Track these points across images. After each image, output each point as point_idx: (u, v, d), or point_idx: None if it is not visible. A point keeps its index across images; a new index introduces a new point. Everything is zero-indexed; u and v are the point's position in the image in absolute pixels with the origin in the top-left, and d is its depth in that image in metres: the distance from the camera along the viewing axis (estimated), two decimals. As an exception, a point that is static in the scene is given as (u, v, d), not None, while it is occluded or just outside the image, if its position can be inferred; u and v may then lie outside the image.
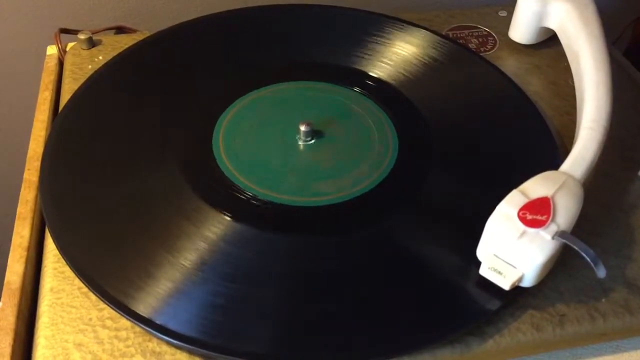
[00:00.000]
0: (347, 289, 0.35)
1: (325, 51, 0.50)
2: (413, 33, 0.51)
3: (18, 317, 0.34)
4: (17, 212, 0.40)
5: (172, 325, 0.33)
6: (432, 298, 0.35)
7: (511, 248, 0.33)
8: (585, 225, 0.39)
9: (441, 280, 0.36)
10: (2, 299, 0.35)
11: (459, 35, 0.55)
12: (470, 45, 0.54)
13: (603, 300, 0.36)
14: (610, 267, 0.38)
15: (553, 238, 0.33)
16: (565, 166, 0.37)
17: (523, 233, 0.33)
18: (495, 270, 0.34)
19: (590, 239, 0.38)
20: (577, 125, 0.42)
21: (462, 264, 0.36)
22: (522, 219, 0.33)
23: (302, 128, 0.43)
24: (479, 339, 0.34)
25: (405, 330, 0.33)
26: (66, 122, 0.43)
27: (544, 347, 0.35)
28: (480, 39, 0.55)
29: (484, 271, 0.34)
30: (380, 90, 0.47)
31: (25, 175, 0.42)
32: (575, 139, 0.40)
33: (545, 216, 0.33)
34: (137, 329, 0.33)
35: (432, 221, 0.39)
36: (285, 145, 0.43)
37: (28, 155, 0.43)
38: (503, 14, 0.58)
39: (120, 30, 0.57)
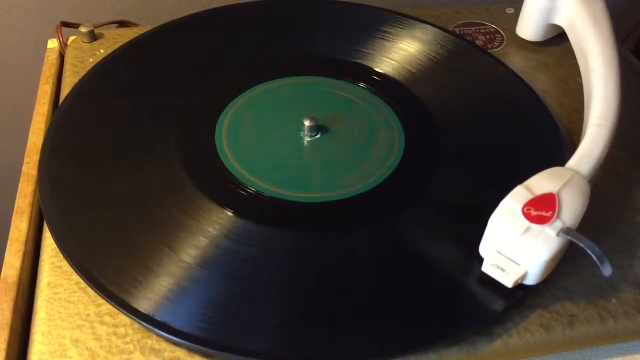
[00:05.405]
0: (350, 287, 0.34)
1: (331, 46, 0.50)
2: (419, 29, 0.51)
3: (14, 312, 0.34)
4: (15, 206, 0.39)
5: (171, 322, 0.32)
6: (438, 296, 0.34)
7: (514, 244, 0.32)
8: (595, 223, 0.38)
9: (448, 278, 0.35)
10: (-2, 293, 0.34)
11: (465, 32, 0.55)
12: (477, 42, 0.53)
13: (613, 300, 0.35)
14: (621, 266, 0.37)
15: (558, 235, 0.32)
16: (572, 162, 0.37)
17: (527, 229, 0.32)
18: (498, 267, 0.33)
19: (600, 238, 0.38)
20: (584, 122, 0.41)
21: (470, 261, 0.35)
22: (527, 215, 0.33)
23: (307, 123, 0.42)
24: (487, 338, 0.33)
25: (410, 329, 0.33)
26: (66, 116, 0.42)
27: (552, 348, 0.35)
28: (488, 36, 0.54)
29: (486, 268, 0.34)
30: (386, 86, 0.47)
31: (24, 169, 0.41)
32: (583, 136, 0.40)
33: (550, 212, 0.33)
34: (136, 325, 0.33)
35: (439, 218, 0.38)
36: (290, 140, 0.42)
37: (27, 149, 0.43)
38: (510, 10, 0.57)
39: (122, 24, 0.56)
